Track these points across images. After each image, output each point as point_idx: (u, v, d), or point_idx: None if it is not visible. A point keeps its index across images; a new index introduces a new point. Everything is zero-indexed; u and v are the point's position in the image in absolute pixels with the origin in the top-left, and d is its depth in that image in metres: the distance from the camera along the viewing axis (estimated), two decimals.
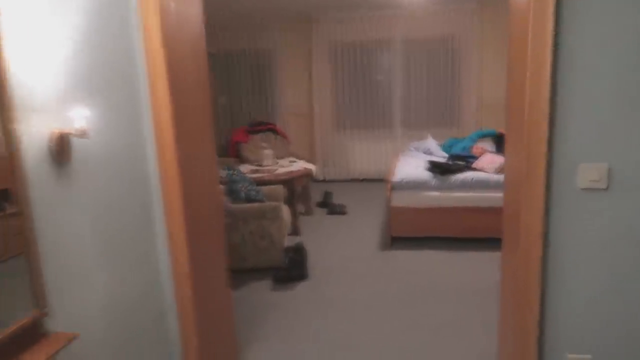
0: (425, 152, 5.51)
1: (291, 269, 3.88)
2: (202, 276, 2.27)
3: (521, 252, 1.91)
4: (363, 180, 7.23)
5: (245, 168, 5.26)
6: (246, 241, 3.95)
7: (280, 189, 4.56)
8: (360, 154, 7.14)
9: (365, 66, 6.84)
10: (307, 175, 5.08)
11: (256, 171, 5.05)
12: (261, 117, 7.15)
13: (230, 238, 3.92)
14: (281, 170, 5.03)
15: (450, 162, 4.62)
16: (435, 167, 4.40)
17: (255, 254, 3.99)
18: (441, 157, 5.26)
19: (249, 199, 4.20)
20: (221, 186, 4.03)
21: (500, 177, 4.26)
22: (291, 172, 4.96)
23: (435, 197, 4.36)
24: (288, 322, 3.29)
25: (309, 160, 5.87)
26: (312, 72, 6.94)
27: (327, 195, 6.00)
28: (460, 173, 4.36)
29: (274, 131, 6.73)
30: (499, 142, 5.33)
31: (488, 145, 5.35)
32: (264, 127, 6.71)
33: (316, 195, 6.18)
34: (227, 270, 2.62)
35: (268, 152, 5.38)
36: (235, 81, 7.12)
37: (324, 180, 7.32)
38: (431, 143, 5.57)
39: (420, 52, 6.64)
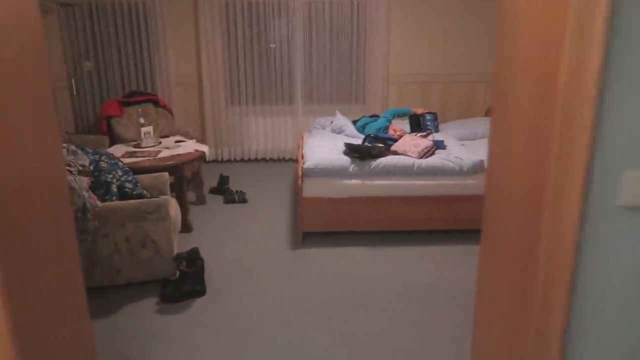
0: (336, 131, 4.88)
1: (183, 283, 3.04)
2: (34, 314, 1.39)
3: (542, 261, 1.33)
4: (262, 160, 6.45)
5: (118, 150, 4.18)
6: (121, 250, 3.00)
7: (165, 178, 3.62)
8: (258, 132, 6.32)
9: (262, 31, 5.97)
10: (198, 158, 4.17)
11: (133, 154, 4.02)
12: (140, 86, 5.97)
13: (99, 249, 2.95)
14: (166, 153, 4.05)
15: (369, 145, 4.04)
16: (354, 151, 3.78)
17: (134, 266, 3.06)
18: (356, 137, 4.67)
19: (124, 194, 3.22)
20: (84, 178, 3.01)
21: (426, 162, 3.77)
22: (179, 155, 4.01)
23: (355, 185, 3.76)
24: (180, 356, 2.48)
25: (199, 139, 4.93)
26: (199, 33, 5.90)
27: (223, 179, 5.14)
28: (382, 157, 3.79)
29: (156, 103, 5.63)
30: (415, 122, 4.88)
31: (404, 125, 4.88)
32: (143, 97, 5.58)
33: (210, 180, 5.29)
34: (84, 294, 1.75)
35: (147, 129, 4.35)
36: (105, 42, 5.81)
37: (216, 161, 6.40)
38: (343, 120, 4.94)
39: (324, 17, 5.94)
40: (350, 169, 3.74)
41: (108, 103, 5.43)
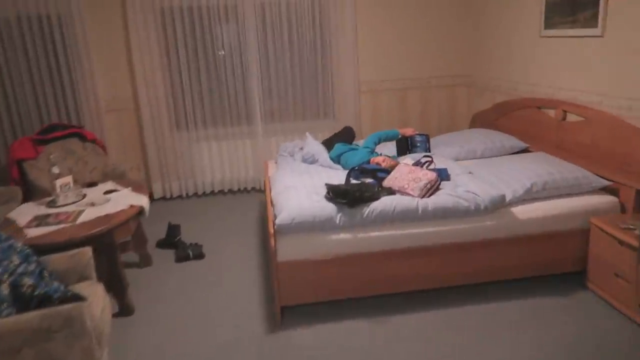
0: (308, 161, 3.98)
1: None
2: None
3: None
4: (219, 192, 5.47)
5: (24, 215, 3.12)
6: None
7: (87, 256, 2.62)
8: (212, 160, 5.34)
9: (207, 40, 4.99)
10: (135, 216, 3.18)
11: (43, 221, 2.97)
12: (62, 117, 4.86)
13: None
14: (90, 215, 3.04)
15: (357, 183, 3.15)
16: (339, 196, 2.89)
17: None
18: (333, 168, 3.78)
19: (20, 296, 2.22)
20: None
21: (432, 203, 2.93)
22: (107, 217, 3.00)
23: (344, 240, 2.87)
24: None
25: (138, 182, 3.93)
26: (131, 47, 4.85)
27: (172, 229, 4.14)
28: (377, 200, 2.93)
29: (82, 137, 4.56)
30: (403, 146, 4.04)
31: (387, 151, 4.03)
32: (64, 132, 4.49)
33: (157, 227, 4.28)
34: None
35: (64, 180, 3.30)
36: (11, 65, 4.66)
37: (164, 198, 5.37)
38: (315, 147, 4.04)
39: (280, 20, 5.02)
40: (338, 220, 2.85)
41: (18, 142, 4.31)
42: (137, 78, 4.92)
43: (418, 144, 4.03)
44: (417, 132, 4.12)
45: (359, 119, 5.33)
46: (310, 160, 3.97)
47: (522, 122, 4.32)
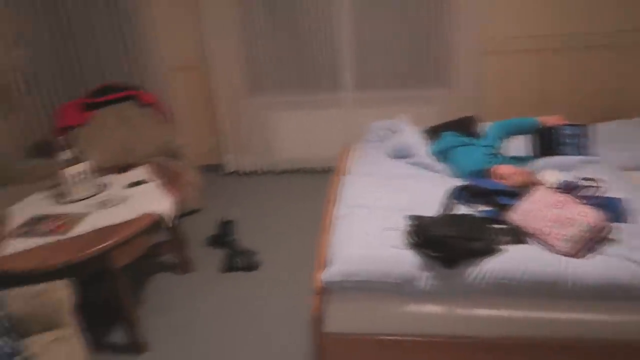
0: (400, 155, 2.84)
1: None
2: None
3: None
4: (298, 171, 4.55)
5: (26, 209, 2.48)
6: None
7: (57, 294, 1.86)
8: (289, 132, 4.40)
9: None
10: (147, 231, 2.34)
11: (33, 228, 2.27)
12: (115, 76, 4.13)
13: None
14: (93, 222, 2.28)
15: (462, 216, 1.98)
16: (430, 244, 1.76)
17: None
18: (430, 170, 2.61)
19: None
20: None
21: (593, 270, 1.70)
22: (107, 230, 2.21)
23: (432, 316, 1.79)
24: None
25: (206, 150, 3.14)
26: None
27: (225, 226, 3.35)
28: (493, 254, 1.76)
29: (139, 100, 3.88)
30: (545, 142, 2.70)
31: (517, 149, 2.73)
32: (117, 95, 3.83)
33: (217, 214, 3.52)
34: None
35: (79, 167, 2.57)
36: (75, 19, 3.99)
37: (237, 173, 4.61)
38: (411, 137, 2.86)
39: None
40: (423, 282, 1.76)
41: (66, 107, 3.74)
42: (207, 30, 4.05)
43: (568, 141, 2.67)
44: (568, 122, 2.73)
45: (482, 89, 3.97)
46: (403, 154, 2.82)
47: None
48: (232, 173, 4.59)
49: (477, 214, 1.98)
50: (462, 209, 2.06)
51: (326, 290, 1.81)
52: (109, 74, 4.08)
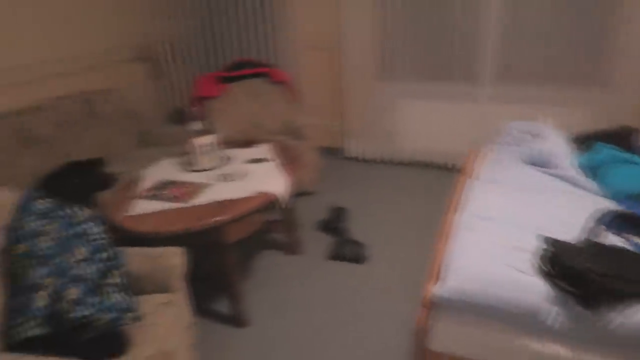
0: (539, 163, 2.51)
1: None
2: None
3: None
4: (419, 164, 4.34)
5: (159, 171, 2.66)
6: None
7: (172, 264, 1.95)
8: (416, 122, 4.19)
9: None
10: (260, 209, 2.34)
11: (161, 191, 2.42)
12: (250, 52, 4.26)
13: None
14: (214, 194, 2.36)
15: (611, 248, 1.66)
16: (568, 277, 1.50)
17: None
18: (576, 186, 2.27)
19: (57, 314, 1.66)
20: None
21: None
22: (223, 203, 2.26)
23: (557, 358, 1.54)
24: None
25: (331, 132, 3.12)
26: None
27: (337, 214, 3.29)
28: None
29: (270, 77, 3.96)
30: None
31: None
32: (251, 70, 3.94)
33: (331, 199, 3.50)
34: None
35: (206, 139, 2.67)
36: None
37: (357, 159, 4.53)
38: (555, 145, 2.52)
39: None
40: (550, 318, 1.51)
41: (203, 78, 3.94)
42: (345, 13, 3.97)
43: None
44: None
45: None
46: (543, 163, 2.49)
47: None
48: (351, 158, 4.53)
49: (632, 249, 1.65)
50: (611, 239, 1.74)
51: (435, 305, 1.65)
52: (246, 49, 4.21)
